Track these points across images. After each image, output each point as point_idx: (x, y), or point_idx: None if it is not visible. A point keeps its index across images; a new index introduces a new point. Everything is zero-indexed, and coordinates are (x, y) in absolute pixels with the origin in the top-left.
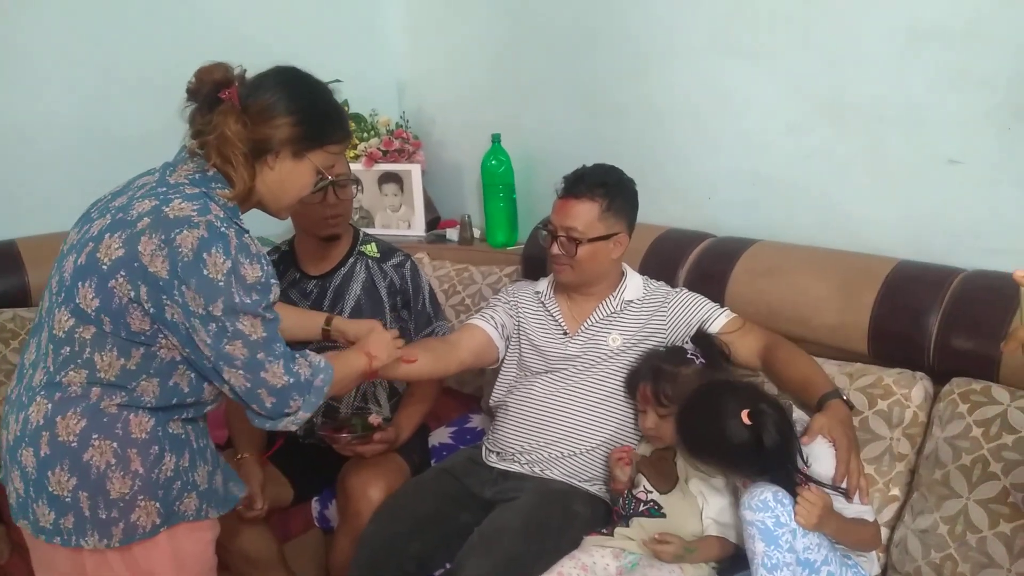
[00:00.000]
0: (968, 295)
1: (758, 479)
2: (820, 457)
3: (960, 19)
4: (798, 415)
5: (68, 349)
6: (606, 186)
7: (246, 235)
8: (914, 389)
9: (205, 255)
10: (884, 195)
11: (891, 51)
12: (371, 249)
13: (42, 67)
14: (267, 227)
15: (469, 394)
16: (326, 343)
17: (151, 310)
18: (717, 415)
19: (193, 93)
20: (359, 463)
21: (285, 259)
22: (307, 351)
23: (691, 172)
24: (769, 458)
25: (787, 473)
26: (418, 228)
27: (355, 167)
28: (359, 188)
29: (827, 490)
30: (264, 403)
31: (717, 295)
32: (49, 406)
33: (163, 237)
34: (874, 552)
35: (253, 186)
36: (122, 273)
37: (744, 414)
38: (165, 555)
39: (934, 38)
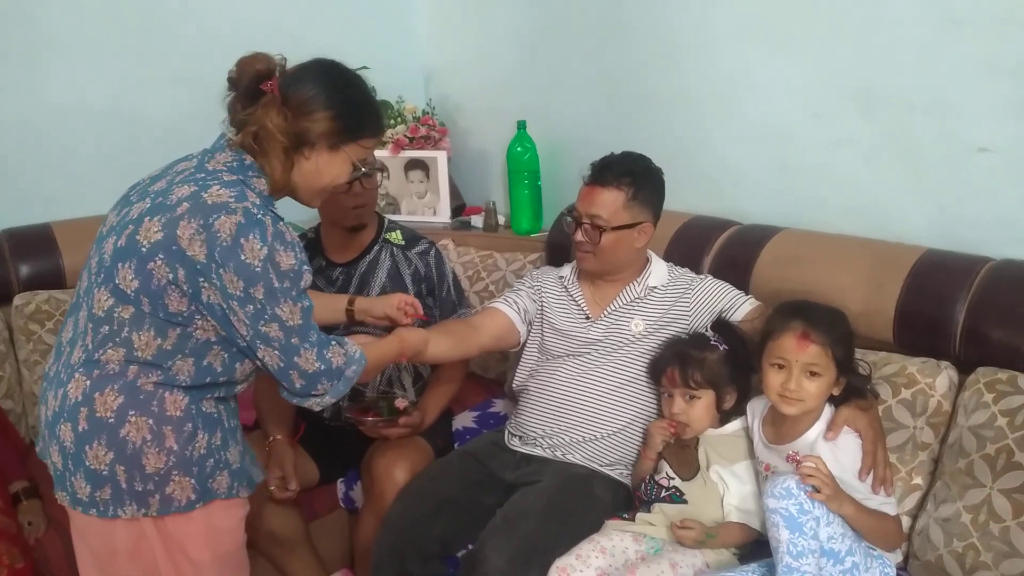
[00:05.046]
0: (996, 284)
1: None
2: (846, 448)
3: (993, 7)
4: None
5: (107, 328)
6: (633, 175)
7: (281, 223)
8: (938, 378)
9: (243, 241)
10: (912, 183)
11: (922, 39)
12: (396, 237)
13: (75, 53)
14: (293, 215)
15: (492, 379)
16: (352, 325)
17: (188, 291)
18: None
19: (234, 82)
20: (384, 445)
21: (311, 246)
22: (345, 338)
23: (717, 159)
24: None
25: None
26: (443, 215)
27: (381, 154)
28: (384, 176)
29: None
30: (294, 383)
31: (742, 282)
32: (87, 383)
33: (201, 222)
34: None
35: (288, 177)
36: (161, 256)
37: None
38: (199, 530)
39: (966, 25)
